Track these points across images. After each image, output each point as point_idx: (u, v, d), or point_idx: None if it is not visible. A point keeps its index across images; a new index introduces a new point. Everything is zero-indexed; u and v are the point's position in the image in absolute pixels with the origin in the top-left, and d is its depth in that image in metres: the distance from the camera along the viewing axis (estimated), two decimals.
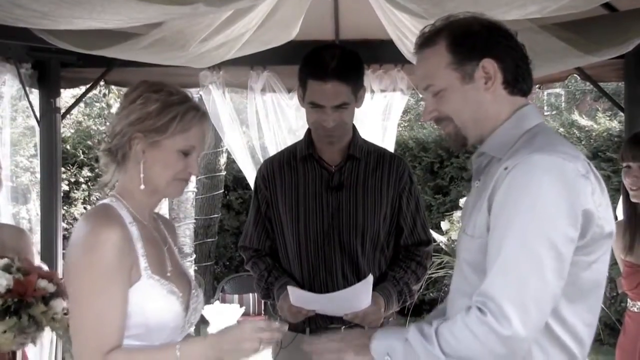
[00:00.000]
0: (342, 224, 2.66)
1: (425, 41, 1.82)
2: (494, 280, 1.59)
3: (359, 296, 2.42)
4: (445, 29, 1.79)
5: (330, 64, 2.50)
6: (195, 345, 1.83)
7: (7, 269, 2.44)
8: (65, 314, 2.50)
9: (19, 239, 2.81)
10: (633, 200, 3.05)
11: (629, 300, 3.17)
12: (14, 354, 2.59)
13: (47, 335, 2.93)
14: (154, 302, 1.81)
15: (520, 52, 1.80)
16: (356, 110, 2.69)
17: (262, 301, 7.74)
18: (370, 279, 2.41)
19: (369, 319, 2.51)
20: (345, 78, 2.52)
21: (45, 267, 2.72)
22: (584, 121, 8.65)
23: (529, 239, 1.58)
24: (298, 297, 2.46)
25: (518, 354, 1.60)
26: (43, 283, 2.45)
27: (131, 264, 1.79)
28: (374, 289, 2.45)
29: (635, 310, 3.06)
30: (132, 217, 1.86)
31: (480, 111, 1.77)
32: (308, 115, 2.64)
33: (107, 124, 13.10)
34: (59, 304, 2.46)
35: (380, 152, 2.80)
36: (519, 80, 1.78)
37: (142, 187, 1.85)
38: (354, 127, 2.73)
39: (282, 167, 2.77)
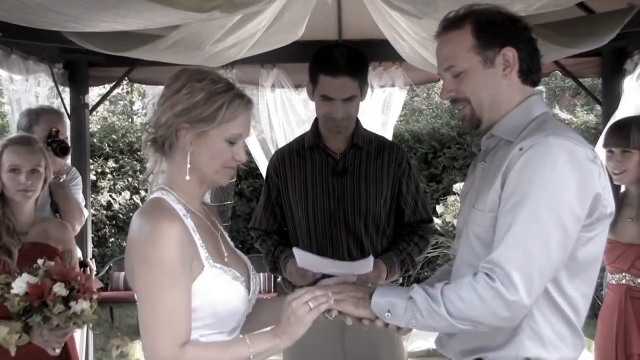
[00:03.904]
0: (347, 206, 2.67)
1: (451, 24, 1.77)
2: (504, 249, 1.58)
3: (359, 269, 2.36)
4: (471, 15, 1.75)
5: (340, 61, 2.54)
6: (262, 336, 1.71)
7: (33, 272, 2.41)
8: (93, 312, 2.46)
9: (62, 232, 2.83)
10: (616, 183, 3.00)
11: (608, 274, 3.16)
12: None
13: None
14: (221, 291, 1.69)
15: (535, 46, 1.78)
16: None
17: (271, 280, 7.78)
18: (370, 258, 2.40)
19: (369, 282, 2.49)
20: (354, 74, 2.56)
21: (79, 254, 2.70)
22: (563, 115, 8.66)
23: (541, 214, 1.56)
24: (302, 258, 2.40)
25: (518, 318, 1.61)
26: (57, 287, 2.40)
27: (192, 256, 1.65)
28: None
29: (614, 282, 3.05)
30: (185, 209, 1.71)
31: (495, 95, 1.75)
32: (318, 107, 2.65)
33: (130, 120, 13.11)
34: (77, 305, 2.42)
35: (381, 140, 2.80)
36: (532, 70, 1.77)
37: (187, 177, 1.70)
38: (356, 118, 2.74)
39: (291, 156, 2.78)
